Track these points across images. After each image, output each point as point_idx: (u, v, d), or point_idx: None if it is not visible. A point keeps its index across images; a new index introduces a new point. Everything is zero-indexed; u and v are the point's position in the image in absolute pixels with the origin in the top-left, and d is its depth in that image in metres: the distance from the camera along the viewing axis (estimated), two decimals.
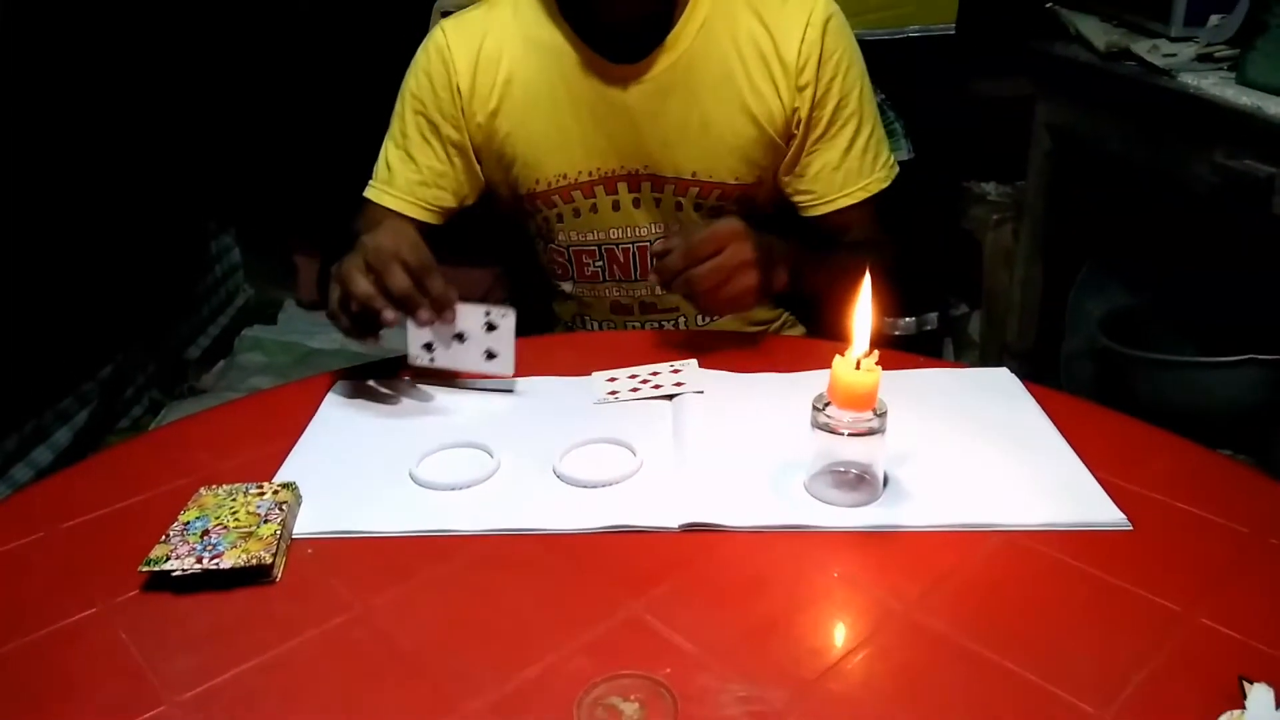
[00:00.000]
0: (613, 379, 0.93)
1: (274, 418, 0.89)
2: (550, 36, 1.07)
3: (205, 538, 0.69)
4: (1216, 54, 1.58)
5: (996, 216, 2.38)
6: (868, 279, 0.72)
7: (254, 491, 0.73)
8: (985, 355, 2.45)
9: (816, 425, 0.73)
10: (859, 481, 0.74)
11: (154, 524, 0.72)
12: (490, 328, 0.88)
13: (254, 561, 0.66)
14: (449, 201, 1.12)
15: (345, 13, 2.52)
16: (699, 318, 1.17)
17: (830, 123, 1.07)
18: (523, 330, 1.33)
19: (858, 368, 0.70)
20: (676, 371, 0.93)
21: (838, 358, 0.71)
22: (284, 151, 2.71)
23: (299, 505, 0.74)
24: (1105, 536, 0.70)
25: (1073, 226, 2.15)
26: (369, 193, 1.13)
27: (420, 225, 1.09)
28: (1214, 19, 1.64)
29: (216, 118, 2.66)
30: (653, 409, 0.88)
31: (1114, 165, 1.88)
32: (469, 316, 0.88)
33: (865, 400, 0.71)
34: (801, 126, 1.07)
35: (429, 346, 0.89)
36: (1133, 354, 1.91)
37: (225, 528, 0.69)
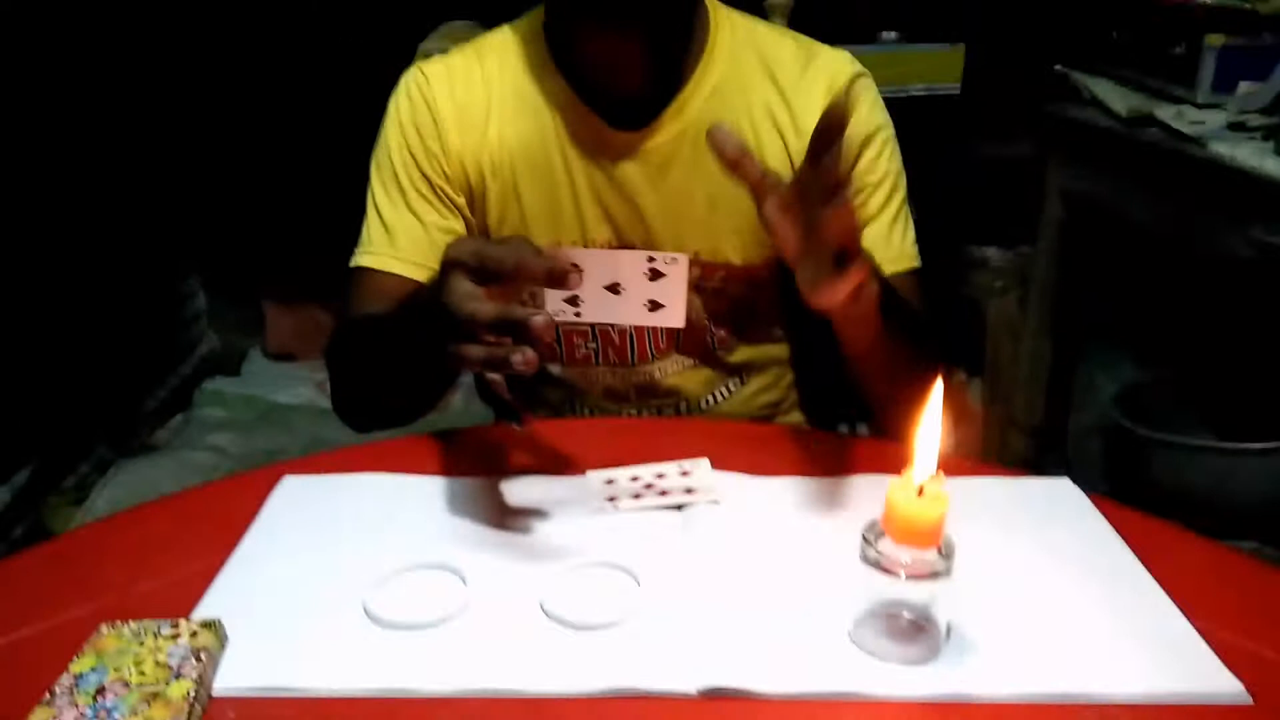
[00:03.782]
0: (610, 481, 0.79)
1: (207, 522, 0.75)
2: (543, 92, 0.94)
3: (99, 699, 0.54)
4: (1250, 123, 1.49)
5: (1000, 284, 2.29)
6: (939, 384, 0.59)
7: (166, 633, 0.59)
8: (988, 429, 2.34)
9: (866, 560, 0.60)
10: (915, 630, 0.61)
11: (42, 670, 0.57)
12: (655, 275, 0.71)
13: None
14: None
15: (324, 50, 2.41)
16: (703, 401, 1.03)
17: (854, 191, 0.94)
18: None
19: (920, 494, 0.57)
20: (686, 474, 0.80)
21: (894, 481, 0.58)
22: (256, 192, 2.58)
23: (222, 652, 0.59)
24: (1220, 713, 0.57)
25: (1081, 297, 2.06)
26: (366, 260, 0.95)
27: None
28: (1244, 86, 1.55)
29: (185, 155, 2.52)
30: (658, 522, 0.74)
31: (1129, 234, 1.79)
32: (628, 265, 0.71)
33: (929, 536, 0.58)
34: None
35: (574, 300, 0.71)
36: (1152, 436, 1.80)
37: (125, 684, 0.55)
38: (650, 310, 0.72)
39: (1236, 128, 1.51)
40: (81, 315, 2.20)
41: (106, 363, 2.30)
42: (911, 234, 0.98)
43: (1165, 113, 1.60)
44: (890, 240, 0.95)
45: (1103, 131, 1.74)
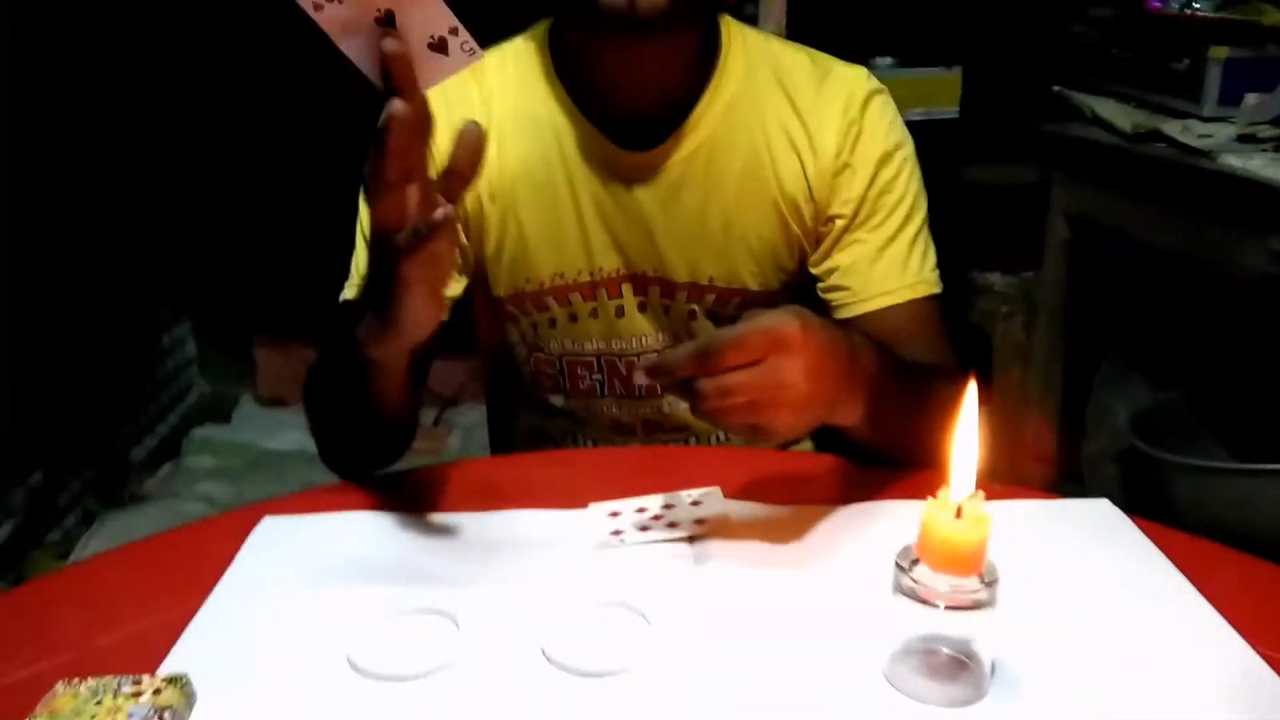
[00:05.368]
0: (615, 514, 0.74)
1: (179, 568, 0.69)
2: (547, 111, 0.90)
3: None
4: (1260, 134, 1.46)
5: (1006, 309, 2.25)
6: (973, 391, 0.54)
7: (127, 690, 0.53)
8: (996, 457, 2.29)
9: (900, 591, 0.54)
10: (956, 667, 0.55)
11: None
12: None
13: None
14: (453, 290, 0.90)
15: (316, 80, 2.38)
16: (714, 437, 0.98)
17: (871, 211, 0.89)
18: (503, 448, 1.14)
19: (959, 516, 0.52)
20: (696, 504, 0.74)
21: (931, 501, 0.53)
22: (247, 234, 2.53)
23: (189, 710, 0.54)
24: None
25: (1090, 319, 2.01)
26: (351, 295, 0.90)
27: None
28: (1251, 98, 1.52)
29: (173, 194, 2.48)
30: (669, 556, 0.68)
31: (1137, 252, 1.75)
32: None
33: (970, 562, 0.52)
34: (835, 221, 0.90)
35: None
36: (1171, 459, 1.74)
37: None
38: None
39: (1246, 139, 1.48)
40: (67, 364, 2.15)
41: (92, 413, 2.25)
42: (932, 258, 0.92)
43: (1171, 128, 1.57)
44: (908, 265, 0.90)
45: (1106, 149, 1.71)
